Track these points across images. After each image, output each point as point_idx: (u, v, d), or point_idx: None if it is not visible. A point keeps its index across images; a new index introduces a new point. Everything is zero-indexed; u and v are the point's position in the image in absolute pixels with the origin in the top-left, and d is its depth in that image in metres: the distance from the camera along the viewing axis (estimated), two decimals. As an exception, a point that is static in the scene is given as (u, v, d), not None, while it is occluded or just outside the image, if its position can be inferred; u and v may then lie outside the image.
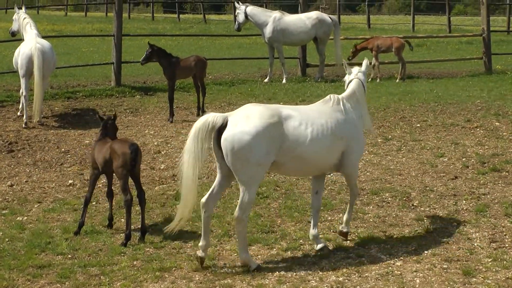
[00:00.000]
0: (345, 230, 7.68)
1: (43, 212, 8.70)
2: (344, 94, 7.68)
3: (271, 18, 18.85)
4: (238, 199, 6.97)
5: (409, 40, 20.11)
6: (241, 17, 19.35)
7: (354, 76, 7.85)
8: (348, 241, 7.57)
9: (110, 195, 8.19)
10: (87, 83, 17.93)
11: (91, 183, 8.07)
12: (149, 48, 13.86)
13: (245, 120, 6.86)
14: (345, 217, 7.71)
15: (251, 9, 19.29)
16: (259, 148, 6.81)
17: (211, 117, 6.94)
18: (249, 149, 6.77)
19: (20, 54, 13.67)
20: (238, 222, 6.93)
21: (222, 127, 6.90)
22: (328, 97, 7.59)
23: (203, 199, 7.05)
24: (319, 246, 7.38)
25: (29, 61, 13.41)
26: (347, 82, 7.91)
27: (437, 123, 13.22)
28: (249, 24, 21.32)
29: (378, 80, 18.72)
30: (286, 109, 7.22)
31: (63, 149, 11.91)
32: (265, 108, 7.09)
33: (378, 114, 14.04)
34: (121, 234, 7.82)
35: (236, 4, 20.01)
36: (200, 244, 7.02)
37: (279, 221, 8.21)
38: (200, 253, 7.00)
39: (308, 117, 7.19)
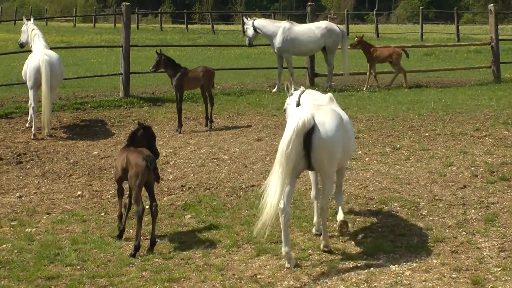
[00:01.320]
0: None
1: (52, 223, 8.71)
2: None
3: (281, 28, 18.85)
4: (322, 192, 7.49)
5: (406, 49, 20.28)
6: (250, 32, 19.26)
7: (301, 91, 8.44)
8: (357, 250, 7.55)
9: (127, 204, 8.21)
10: (96, 94, 17.99)
11: (118, 188, 8.22)
12: (157, 56, 13.93)
13: (329, 119, 7.31)
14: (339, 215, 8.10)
15: (259, 21, 19.32)
16: (341, 144, 7.37)
17: (306, 118, 7.15)
18: (338, 145, 7.32)
19: (28, 66, 13.74)
20: (324, 212, 7.50)
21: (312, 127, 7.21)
22: (329, 97, 8.21)
23: (281, 205, 7.19)
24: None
25: (37, 73, 13.48)
26: (293, 101, 8.44)
27: (446, 132, 13.19)
28: (258, 36, 21.35)
29: (365, 89, 18.83)
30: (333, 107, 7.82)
31: (71, 160, 11.94)
32: (329, 108, 7.63)
33: (387, 123, 14.02)
34: (129, 245, 7.83)
35: (244, 19, 20.00)
36: (285, 250, 7.20)
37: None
38: (287, 264, 7.21)
39: (342, 114, 7.76)
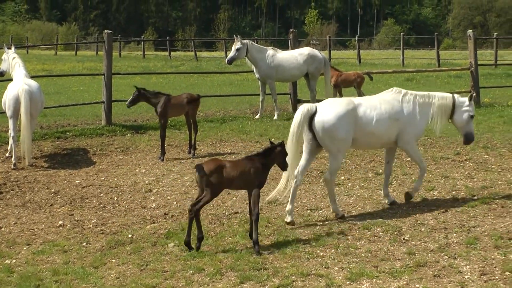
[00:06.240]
0: (413, 195, 10.28)
1: (32, 254, 8.61)
2: (419, 92, 10.16)
3: (265, 55, 18.88)
4: (328, 168, 9.85)
5: (370, 74, 20.89)
6: (241, 54, 18.61)
7: (457, 99, 10.22)
8: (341, 276, 7.52)
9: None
10: (77, 123, 17.94)
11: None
12: (135, 91, 13.84)
13: (329, 108, 9.44)
14: (414, 184, 10.37)
15: (255, 45, 19.15)
16: (341, 127, 9.36)
17: (309, 106, 9.42)
18: (334, 128, 9.35)
19: (8, 95, 13.67)
20: (327, 183, 9.68)
21: (314, 113, 9.40)
22: (390, 88, 10.14)
23: (295, 172, 9.45)
24: (389, 202, 10.22)
25: (16, 102, 13.41)
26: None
27: (427, 156, 13.26)
28: (240, 61, 21.39)
29: None
30: (357, 99, 9.82)
31: (52, 190, 11.86)
32: (343, 99, 9.89)
33: (369, 148, 14.07)
34: (111, 275, 7.76)
35: (239, 38, 19.14)
36: (287, 209, 9.38)
37: (271, 258, 8.16)
38: (287, 218, 9.34)
39: (372, 104, 9.69)
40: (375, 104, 9.72)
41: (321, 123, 9.35)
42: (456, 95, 10.36)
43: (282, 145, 8.64)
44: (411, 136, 9.91)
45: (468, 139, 10.43)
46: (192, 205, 8.34)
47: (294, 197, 9.47)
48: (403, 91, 10.01)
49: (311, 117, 9.39)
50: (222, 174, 8.30)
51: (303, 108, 9.41)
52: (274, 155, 8.57)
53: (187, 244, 8.43)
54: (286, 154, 8.71)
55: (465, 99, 10.28)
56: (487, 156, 13.18)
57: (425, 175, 10.51)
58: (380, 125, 9.62)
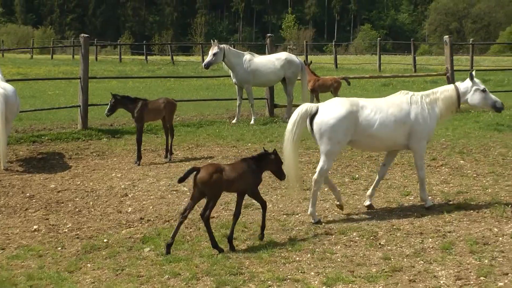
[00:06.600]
0: (426, 205, 10.08)
1: (7, 259, 8.52)
2: (424, 92, 10.17)
3: (242, 59, 18.89)
4: (317, 167, 9.68)
5: (347, 78, 21.04)
6: (218, 58, 18.50)
7: (456, 84, 10.34)
8: (316, 281, 7.53)
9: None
10: (53, 127, 17.82)
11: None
12: (112, 98, 13.77)
13: (330, 109, 9.34)
14: (420, 195, 10.18)
15: (232, 49, 19.16)
16: (340, 130, 9.30)
17: (309, 106, 9.43)
18: (332, 130, 9.28)
19: (-18, 99, 13.54)
20: (315, 183, 9.54)
21: (314, 114, 9.36)
22: (399, 92, 10.04)
23: (315, 176, 9.58)
24: (367, 203, 10.18)
25: (-9, 106, 13.29)
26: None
27: (403, 161, 13.32)
28: (217, 66, 21.39)
29: None
30: (363, 101, 9.68)
31: (28, 194, 11.77)
32: (348, 99, 9.65)
33: (345, 153, 14.11)
34: (86, 280, 7.71)
35: (216, 43, 19.06)
36: (336, 198, 10.02)
37: (247, 263, 8.15)
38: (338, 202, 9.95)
39: (378, 107, 9.57)
40: (381, 107, 9.61)
41: (319, 125, 9.32)
42: (457, 83, 10.40)
43: (276, 153, 8.71)
44: (423, 136, 9.84)
45: (497, 109, 10.39)
46: (201, 215, 8.44)
47: (334, 189, 10.01)
48: (410, 93, 9.97)
49: (312, 117, 9.37)
50: (222, 177, 8.35)
51: (302, 108, 9.40)
52: (268, 161, 8.66)
53: (168, 246, 8.43)
54: (281, 162, 8.75)
55: (467, 82, 10.29)
56: (462, 162, 13.27)
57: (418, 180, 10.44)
58: (384, 128, 9.54)
